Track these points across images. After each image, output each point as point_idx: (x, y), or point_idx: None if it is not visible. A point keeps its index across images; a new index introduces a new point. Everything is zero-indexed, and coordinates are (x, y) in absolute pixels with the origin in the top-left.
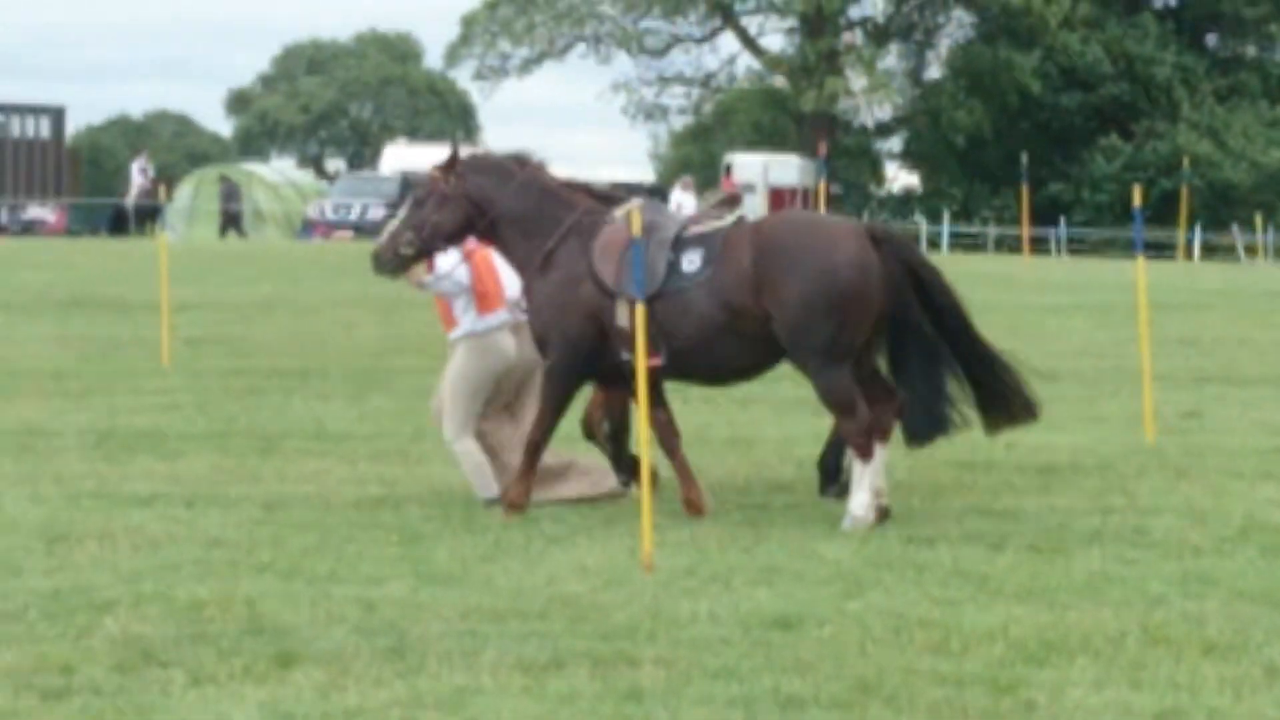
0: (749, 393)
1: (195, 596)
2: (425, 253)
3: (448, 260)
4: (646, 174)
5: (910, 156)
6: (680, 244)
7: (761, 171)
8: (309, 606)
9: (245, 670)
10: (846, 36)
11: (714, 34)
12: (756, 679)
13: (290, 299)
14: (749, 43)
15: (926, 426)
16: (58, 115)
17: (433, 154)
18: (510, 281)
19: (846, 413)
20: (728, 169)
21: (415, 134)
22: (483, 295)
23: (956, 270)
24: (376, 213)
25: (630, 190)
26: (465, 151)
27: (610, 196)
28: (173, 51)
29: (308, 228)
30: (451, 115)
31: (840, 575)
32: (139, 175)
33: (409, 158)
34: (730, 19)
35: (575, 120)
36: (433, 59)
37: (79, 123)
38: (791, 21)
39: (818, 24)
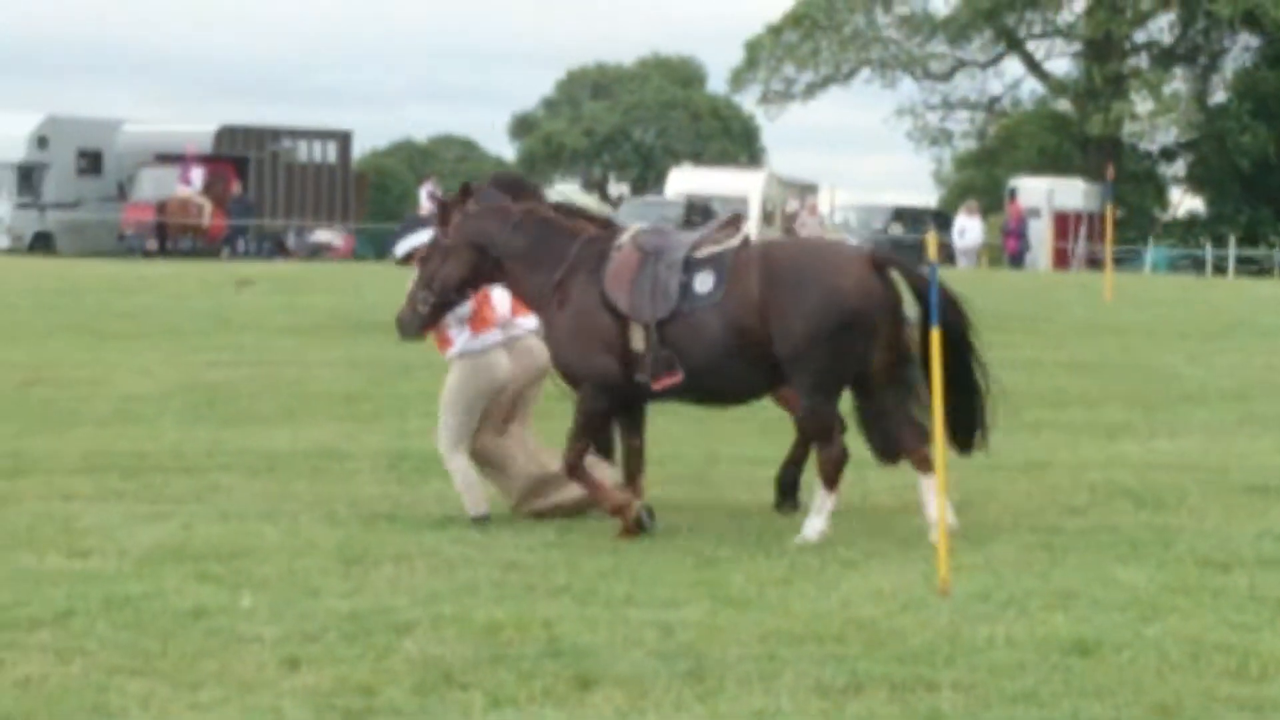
0: (1040, 418)
1: (493, 618)
2: (442, 306)
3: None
4: (930, 198)
5: (1195, 180)
6: (691, 265)
7: (1046, 196)
8: (606, 629)
9: (545, 692)
10: (1131, 61)
11: (998, 59)
12: (1056, 704)
13: None
14: (1034, 67)
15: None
16: (344, 140)
17: (717, 178)
18: (500, 301)
19: (823, 440)
20: (1012, 193)
21: (699, 158)
22: (476, 316)
23: (1242, 296)
24: None
25: (914, 215)
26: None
27: (610, 222)
28: (457, 76)
29: None
30: (735, 139)
31: (1136, 600)
32: (428, 199)
33: (694, 181)
34: (1015, 44)
35: (859, 144)
36: (716, 83)
37: (365, 147)
38: (1077, 46)
39: (1104, 48)
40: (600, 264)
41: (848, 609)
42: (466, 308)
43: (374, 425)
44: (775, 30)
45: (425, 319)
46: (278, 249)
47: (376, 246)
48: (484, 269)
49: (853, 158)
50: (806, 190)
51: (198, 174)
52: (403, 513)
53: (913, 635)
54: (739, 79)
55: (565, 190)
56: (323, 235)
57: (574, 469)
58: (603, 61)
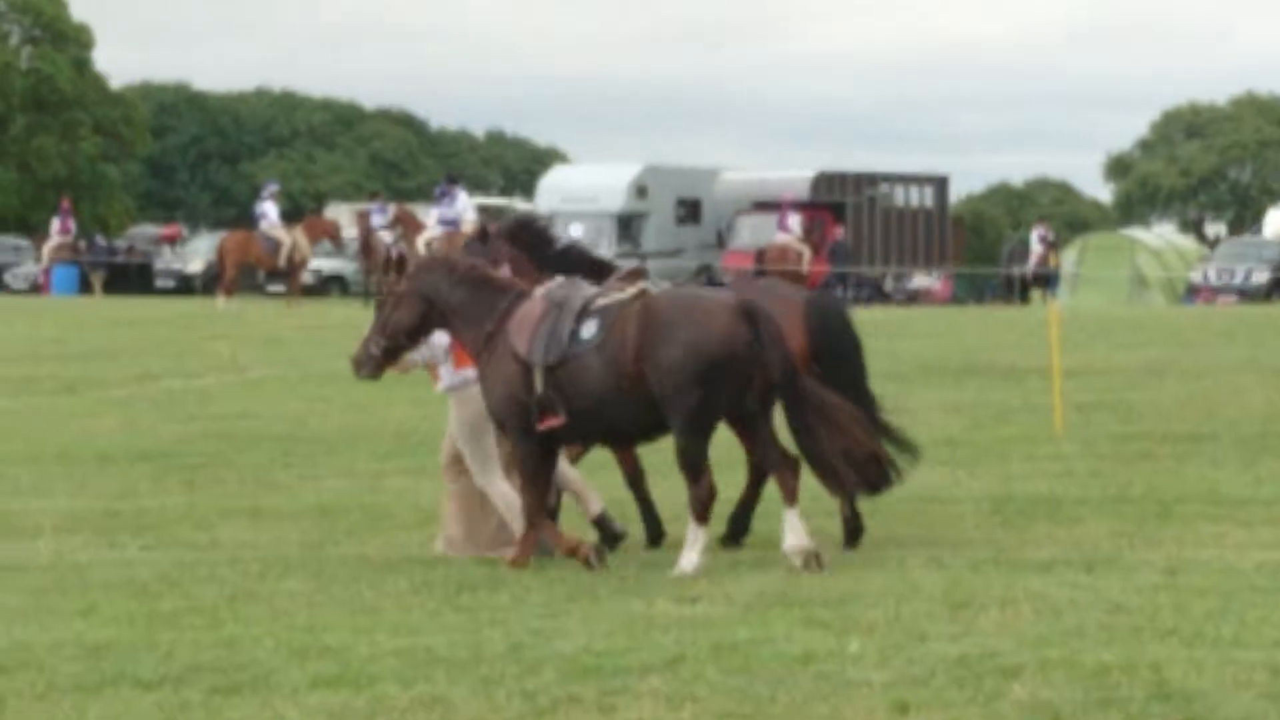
0: None
1: (1100, 661)
2: (393, 350)
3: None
4: None
5: None
6: (583, 314)
7: None
8: (1214, 671)
9: None
10: None
11: None
12: None
13: (1178, 364)
14: None
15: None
16: (941, 184)
17: None
18: None
19: (695, 478)
20: None
21: None
22: (458, 352)
23: None
24: (1260, 277)
25: None
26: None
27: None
28: (1053, 120)
29: (1191, 292)
30: None
31: None
32: (1039, 243)
33: None
34: None
35: None
36: None
37: (961, 191)
38: None
39: None
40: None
41: None
42: (446, 342)
43: (977, 469)
44: None
45: (378, 361)
46: (876, 294)
47: (974, 290)
48: (431, 318)
49: None
50: None
51: (796, 220)
52: (1007, 556)
53: None
54: None
55: (1163, 232)
56: (920, 280)
57: (531, 520)
58: (1196, 101)
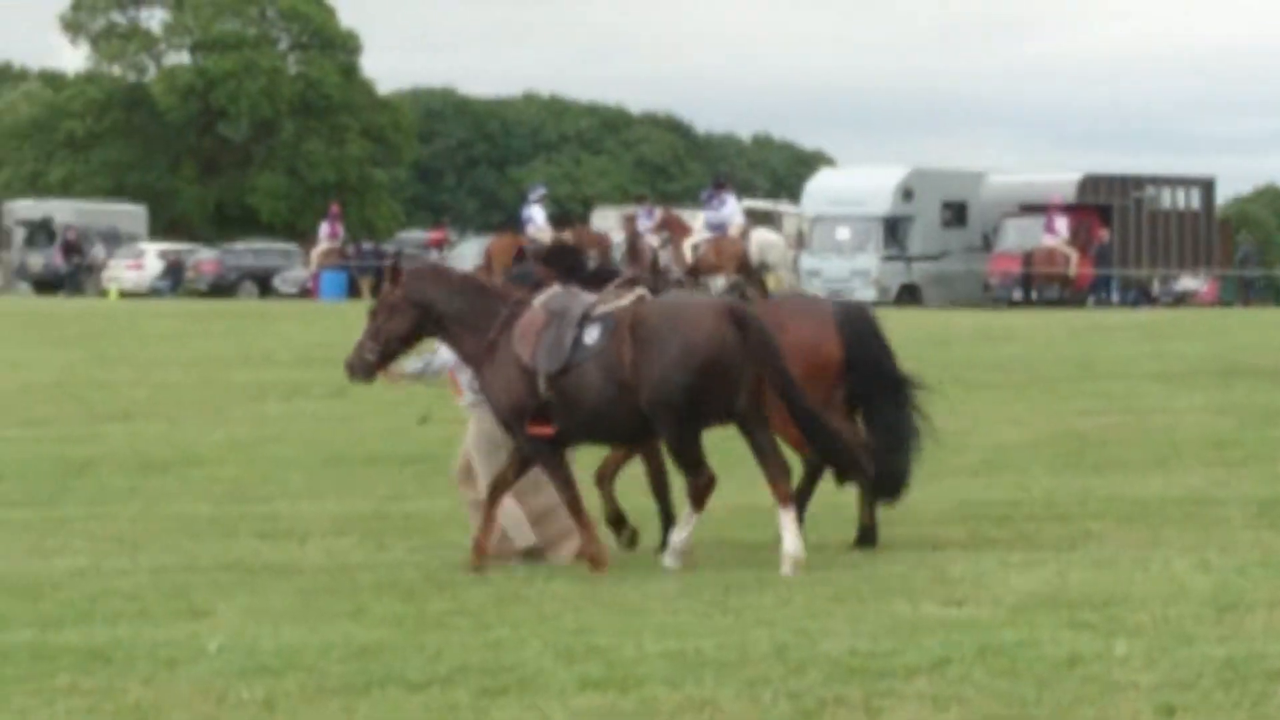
0: None
1: None
2: (386, 356)
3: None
4: None
5: None
6: (584, 321)
7: None
8: None
9: None
10: None
11: None
12: None
13: None
14: None
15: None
16: (1207, 186)
17: None
18: None
19: (695, 471)
20: None
21: None
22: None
23: None
24: None
25: None
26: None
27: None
28: None
29: None
30: None
31: None
32: None
33: None
34: None
35: None
36: None
37: (1228, 193)
38: None
39: None
40: (514, 324)
41: None
42: (452, 358)
43: (1244, 470)
44: None
45: (371, 367)
46: (1143, 297)
47: (1240, 292)
48: (425, 326)
49: None
50: None
51: (1062, 223)
52: (1275, 558)
53: None
54: None
55: None
56: (1187, 282)
57: (576, 515)
58: None
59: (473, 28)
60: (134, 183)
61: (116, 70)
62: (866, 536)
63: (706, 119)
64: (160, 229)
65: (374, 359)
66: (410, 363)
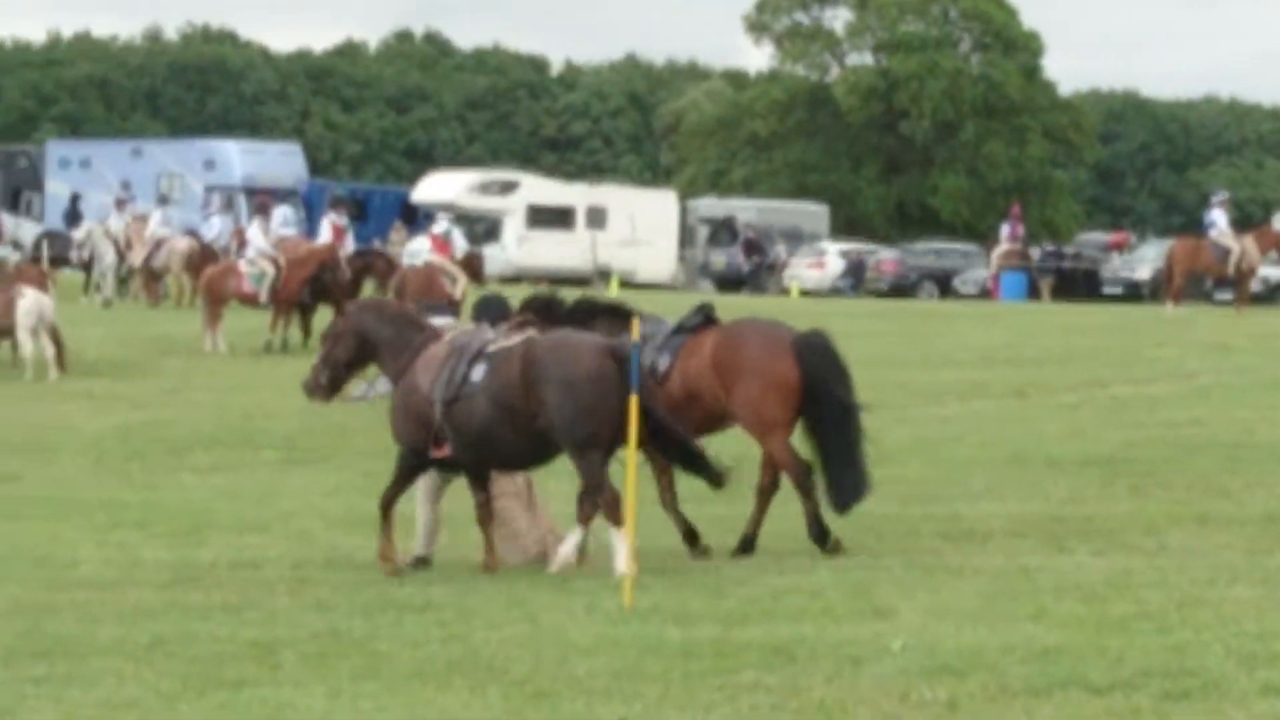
0: None
1: None
2: (335, 380)
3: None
4: None
5: None
6: (477, 358)
7: None
8: None
9: None
10: None
11: None
12: None
13: None
14: None
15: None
16: None
17: None
18: None
19: (599, 490)
20: None
21: None
22: None
23: None
24: None
25: None
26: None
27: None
28: None
29: None
30: None
31: None
32: None
33: None
34: None
35: None
36: None
37: None
38: None
39: None
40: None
41: None
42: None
43: None
44: None
45: (326, 389)
46: None
47: None
48: (365, 353)
49: None
50: None
51: None
52: None
53: None
54: None
55: None
56: None
57: (386, 506)
58: None
59: (1154, 29)
60: (815, 183)
61: (799, 70)
62: (820, 535)
63: None
64: (840, 228)
65: (325, 383)
66: (381, 384)
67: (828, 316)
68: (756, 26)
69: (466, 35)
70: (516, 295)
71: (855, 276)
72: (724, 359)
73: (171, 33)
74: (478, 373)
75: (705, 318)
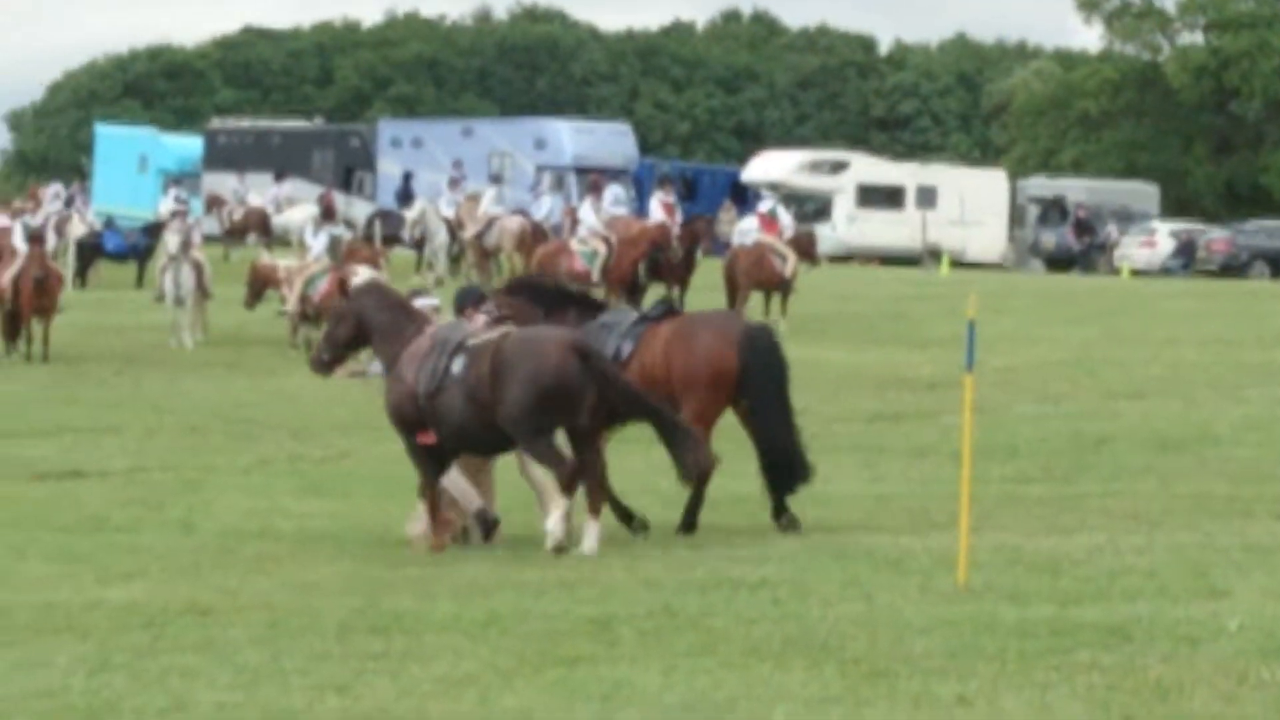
0: None
1: None
2: (336, 357)
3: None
4: None
5: None
6: (457, 351)
7: None
8: None
9: None
10: None
11: None
12: None
13: None
14: None
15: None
16: None
17: None
18: None
19: (556, 465)
20: None
21: None
22: None
23: None
24: None
25: None
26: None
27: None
28: None
29: None
30: None
31: None
32: None
33: None
34: None
35: None
36: None
37: None
38: None
39: None
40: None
41: None
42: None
43: None
44: None
45: (328, 365)
46: None
47: None
48: (362, 335)
49: None
50: None
51: None
52: None
53: None
54: None
55: None
56: None
57: (430, 504)
58: None
59: None
60: (1145, 162)
61: (1130, 49)
62: (789, 523)
63: None
64: (1170, 208)
65: (327, 359)
66: (376, 365)
67: (1159, 296)
68: (1087, 6)
69: (794, 14)
70: (843, 275)
71: (1186, 256)
72: (675, 346)
73: (501, 12)
74: (457, 365)
75: (668, 309)
